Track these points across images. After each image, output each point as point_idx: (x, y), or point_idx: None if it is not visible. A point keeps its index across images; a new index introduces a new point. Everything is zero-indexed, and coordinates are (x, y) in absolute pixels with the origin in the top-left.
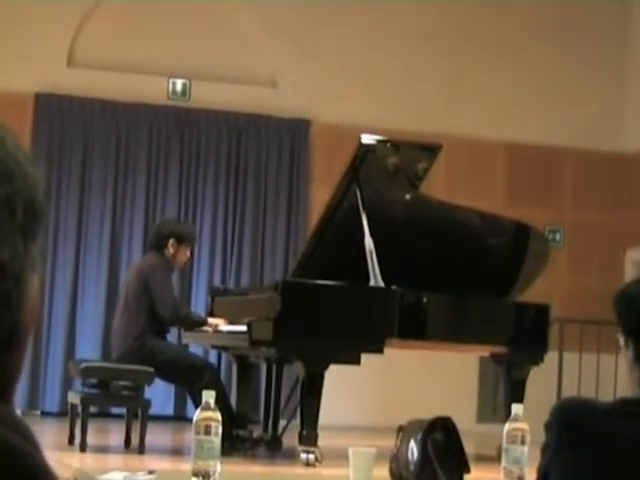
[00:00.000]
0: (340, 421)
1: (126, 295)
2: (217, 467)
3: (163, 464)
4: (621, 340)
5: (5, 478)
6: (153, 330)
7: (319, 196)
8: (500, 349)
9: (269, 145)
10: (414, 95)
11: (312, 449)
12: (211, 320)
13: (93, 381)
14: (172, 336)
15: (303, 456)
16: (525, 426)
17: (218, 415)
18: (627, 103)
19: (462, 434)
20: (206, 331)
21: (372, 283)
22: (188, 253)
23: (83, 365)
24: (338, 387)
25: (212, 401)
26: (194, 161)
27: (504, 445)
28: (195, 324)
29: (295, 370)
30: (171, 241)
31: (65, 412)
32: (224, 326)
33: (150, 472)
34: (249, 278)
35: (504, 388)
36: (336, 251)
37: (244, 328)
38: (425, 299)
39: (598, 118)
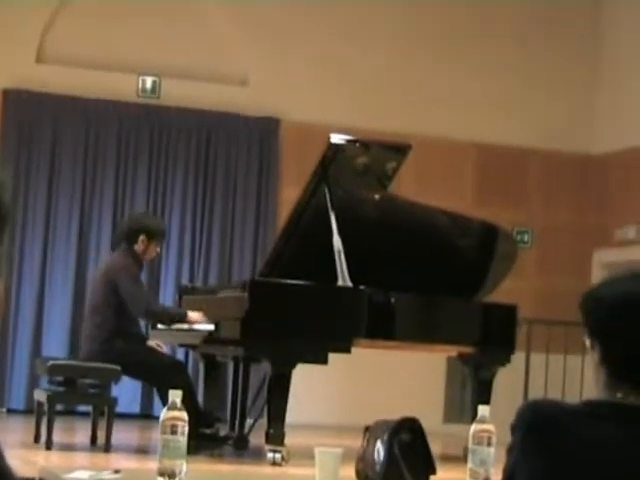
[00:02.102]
0: (307, 420)
1: (93, 296)
2: (183, 467)
3: (129, 463)
4: (587, 342)
5: None
6: (121, 332)
7: (288, 195)
8: (467, 349)
9: (239, 143)
10: (384, 95)
11: (279, 448)
12: (191, 314)
13: (59, 379)
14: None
15: (270, 455)
16: (491, 428)
17: (184, 415)
18: (595, 105)
19: (429, 434)
20: (172, 329)
21: (340, 283)
22: (158, 249)
23: (50, 363)
24: (305, 386)
25: (179, 400)
26: (163, 159)
27: (470, 446)
28: (173, 318)
29: (262, 368)
30: (141, 237)
31: (31, 410)
32: (203, 323)
33: (116, 471)
34: (217, 276)
35: (471, 388)
36: (304, 250)
37: (212, 327)
38: (393, 299)
39: (567, 119)
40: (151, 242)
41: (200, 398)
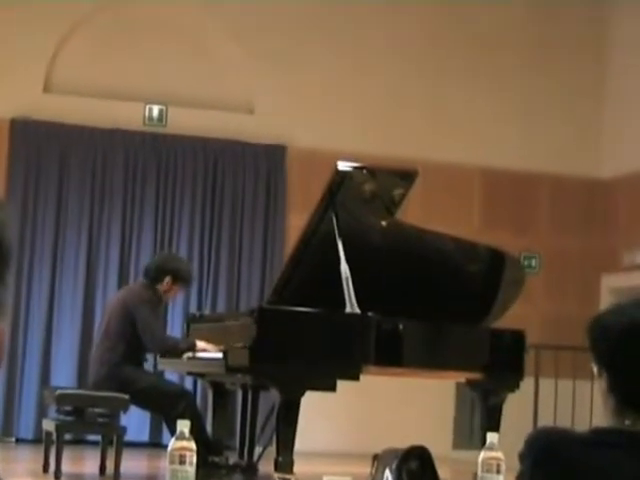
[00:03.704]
0: (316, 447)
1: (107, 323)
2: None
3: None
4: (595, 369)
5: None
6: (131, 359)
7: (295, 222)
8: (476, 375)
9: (245, 171)
10: (391, 121)
11: (288, 476)
12: (199, 344)
13: (68, 408)
14: (148, 363)
15: None
16: (500, 455)
17: (193, 445)
18: (602, 129)
19: (438, 460)
20: (181, 357)
21: (348, 310)
22: (179, 293)
23: (58, 392)
24: (314, 413)
25: (187, 430)
26: (170, 187)
27: (479, 474)
28: (184, 351)
29: (271, 396)
30: (168, 278)
31: (40, 439)
32: (212, 352)
33: None
34: (225, 304)
35: (480, 414)
36: (312, 277)
37: (220, 355)
38: (401, 326)
39: (574, 144)
40: (175, 285)
41: (209, 426)
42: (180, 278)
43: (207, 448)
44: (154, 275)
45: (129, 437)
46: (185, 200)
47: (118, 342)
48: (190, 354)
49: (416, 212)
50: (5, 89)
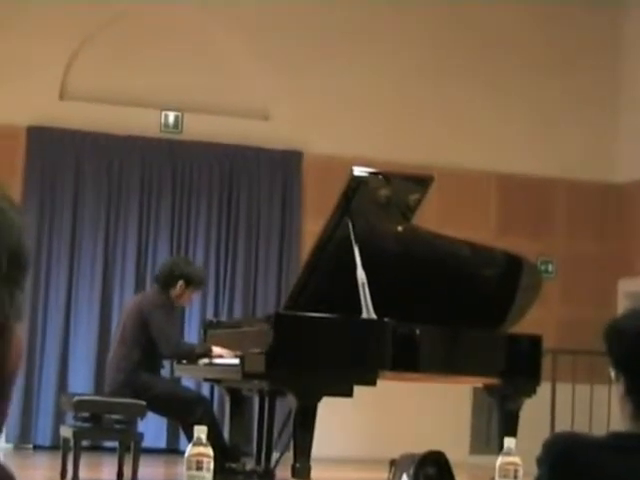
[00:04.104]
0: (333, 453)
1: (123, 329)
2: None
3: None
4: (612, 373)
5: None
6: (147, 365)
7: (311, 228)
8: (493, 381)
9: (261, 177)
10: (406, 126)
11: None
12: (215, 349)
13: (85, 415)
14: (165, 369)
15: None
16: (517, 460)
17: (210, 450)
18: (618, 134)
19: (455, 465)
20: (197, 364)
21: (364, 315)
22: (193, 296)
23: (75, 399)
24: (331, 419)
25: (204, 436)
26: (186, 193)
27: (496, 479)
28: (199, 356)
29: (288, 402)
30: (180, 282)
31: (57, 446)
32: (228, 357)
33: None
34: (242, 310)
35: (497, 419)
36: (328, 283)
37: (237, 361)
38: (418, 331)
39: (589, 149)
40: (188, 289)
41: (226, 432)
42: (192, 281)
43: (224, 454)
44: (166, 280)
45: (146, 443)
46: (201, 206)
47: (134, 348)
48: (207, 360)
49: (432, 218)
50: (21, 97)
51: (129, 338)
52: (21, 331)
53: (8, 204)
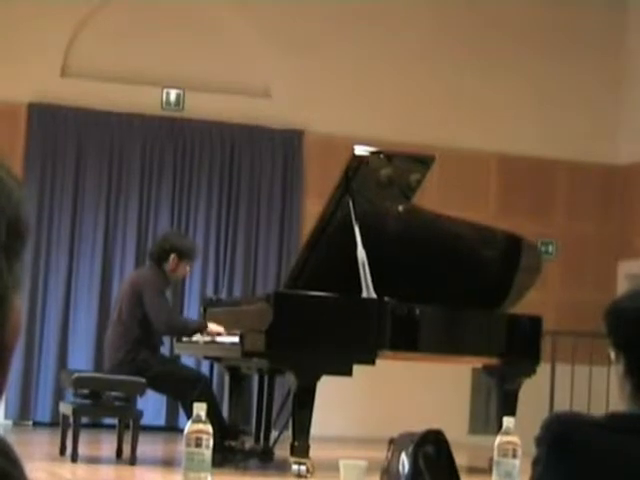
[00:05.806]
0: (332, 432)
1: (119, 307)
2: (208, 479)
3: (154, 475)
4: (612, 354)
5: None
6: (145, 342)
7: (312, 207)
8: (492, 361)
9: (262, 156)
10: (408, 106)
11: (304, 460)
12: (211, 327)
13: (85, 392)
14: (165, 347)
15: (295, 467)
16: (516, 439)
17: (209, 428)
18: (620, 115)
19: (454, 445)
20: (197, 342)
21: (364, 295)
22: (188, 269)
23: (75, 376)
24: (330, 398)
25: (203, 414)
26: (187, 171)
27: (495, 458)
28: (194, 331)
29: (287, 381)
30: (172, 256)
31: (57, 422)
32: (223, 336)
33: None
34: (241, 289)
35: (496, 400)
36: (329, 262)
37: (236, 339)
38: (417, 311)
39: (591, 130)
40: (181, 262)
41: (225, 411)
42: (185, 254)
43: (223, 432)
44: (159, 255)
45: (145, 421)
46: (202, 184)
47: (131, 326)
48: (208, 338)
49: (433, 198)
50: (22, 74)
51: (126, 316)
52: (20, 304)
53: (7, 174)
